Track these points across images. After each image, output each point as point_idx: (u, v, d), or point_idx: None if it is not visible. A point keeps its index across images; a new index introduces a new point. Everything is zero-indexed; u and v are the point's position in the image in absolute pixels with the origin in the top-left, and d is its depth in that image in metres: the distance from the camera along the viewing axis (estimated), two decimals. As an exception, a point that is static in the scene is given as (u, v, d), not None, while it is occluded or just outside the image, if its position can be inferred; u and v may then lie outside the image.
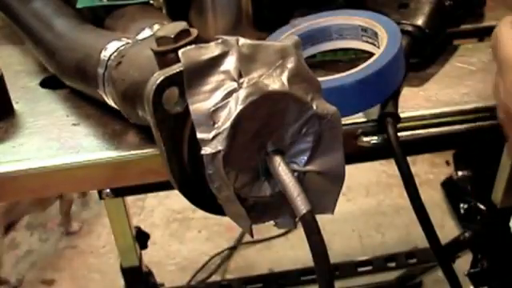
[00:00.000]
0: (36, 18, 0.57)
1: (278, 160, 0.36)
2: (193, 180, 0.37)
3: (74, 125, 0.52)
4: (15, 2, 0.60)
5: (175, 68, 0.34)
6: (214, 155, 0.34)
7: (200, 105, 0.34)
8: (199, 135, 0.34)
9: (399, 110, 0.50)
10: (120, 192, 1.05)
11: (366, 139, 0.50)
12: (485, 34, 0.61)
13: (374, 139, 0.50)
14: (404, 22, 0.55)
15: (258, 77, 0.35)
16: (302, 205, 0.34)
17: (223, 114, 0.34)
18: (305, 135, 0.36)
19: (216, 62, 0.35)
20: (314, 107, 0.36)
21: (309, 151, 0.37)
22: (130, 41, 0.48)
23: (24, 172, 0.48)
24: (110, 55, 0.47)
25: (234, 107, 0.33)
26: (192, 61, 0.34)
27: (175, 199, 1.72)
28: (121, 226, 1.19)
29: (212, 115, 0.34)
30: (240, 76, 0.35)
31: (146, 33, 0.50)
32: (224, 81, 0.34)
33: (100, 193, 1.06)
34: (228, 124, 0.33)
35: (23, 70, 0.61)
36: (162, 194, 1.70)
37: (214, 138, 0.34)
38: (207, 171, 0.35)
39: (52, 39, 0.54)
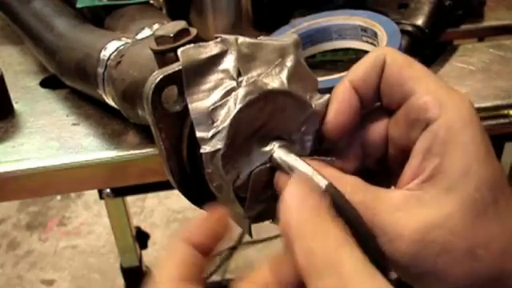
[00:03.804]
0: (36, 17, 0.57)
1: (281, 150, 0.35)
2: (192, 179, 0.37)
3: (74, 125, 0.52)
4: (15, 1, 0.60)
5: (174, 67, 0.34)
6: (213, 154, 0.34)
7: (199, 103, 0.34)
8: (198, 134, 0.34)
9: (399, 110, 0.50)
10: (120, 192, 1.05)
11: (365, 139, 0.50)
12: (485, 34, 0.61)
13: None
14: (404, 21, 0.55)
15: (257, 75, 0.35)
16: (320, 180, 0.31)
17: (222, 113, 0.34)
18: (304, 134, 0.36)
19: (215, 60, 0.35)
20: (313, 106, 0.36)
21: (308, 150, 0.37)
22: (129, 40, 0.48)
23: (24, 172, 0.48)
24: (110, 55, 0.47)
25: (233, 106, 0.33)
26: (191, 59, 0.34)
27: (175, 199, 1.72)
28: (121, 226, 1.19)
29: (211, 114, 0.34)
30: (239, 75, 0.34)
31: (146, 32, 0.50)
32: (223, 79, 0.34)
33: (100, 193, 1.07)
34: (227, 123, 0.33)
35: (23, 70, 0.61)
36: (161, 193, 1.70)
37: (213, 136, 0.34)
38: (206, 170, 0.34)
39: (52, 39, 0.54)
